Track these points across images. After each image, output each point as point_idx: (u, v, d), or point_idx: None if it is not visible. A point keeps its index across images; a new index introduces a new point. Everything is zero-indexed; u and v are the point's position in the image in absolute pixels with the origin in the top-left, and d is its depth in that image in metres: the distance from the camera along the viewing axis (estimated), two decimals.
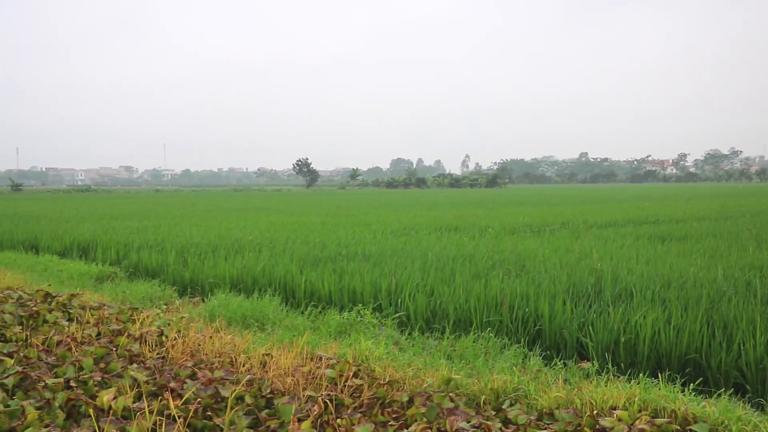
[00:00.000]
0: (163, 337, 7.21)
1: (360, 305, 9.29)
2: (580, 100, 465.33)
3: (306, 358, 6.64)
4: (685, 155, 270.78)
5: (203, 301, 10.83)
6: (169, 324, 7.75)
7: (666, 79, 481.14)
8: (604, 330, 7.41)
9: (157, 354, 6.82)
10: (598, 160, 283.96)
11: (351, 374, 6.15)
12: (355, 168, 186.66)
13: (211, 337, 7.23)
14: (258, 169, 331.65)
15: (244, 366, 6.46)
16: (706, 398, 5.76)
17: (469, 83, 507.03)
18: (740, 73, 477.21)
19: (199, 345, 6.99)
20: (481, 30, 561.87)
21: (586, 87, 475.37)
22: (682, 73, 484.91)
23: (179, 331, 7.38)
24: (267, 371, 6.30)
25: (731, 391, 6.31)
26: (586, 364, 6.71)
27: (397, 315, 8.98)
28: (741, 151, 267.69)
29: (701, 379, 6.53)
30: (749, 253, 12.86)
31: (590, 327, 7.62)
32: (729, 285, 9.19)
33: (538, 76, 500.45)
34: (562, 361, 6.96)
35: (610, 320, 7.53)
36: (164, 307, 9.87)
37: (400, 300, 9.44)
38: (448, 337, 7.86)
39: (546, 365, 6.91)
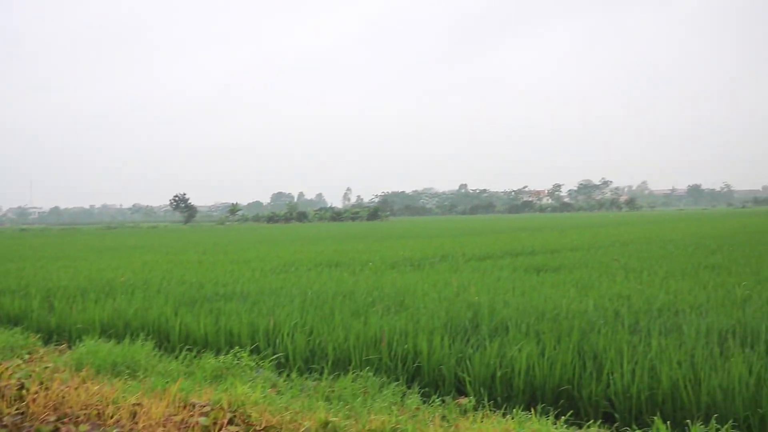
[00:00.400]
0: (24, 391, 6.84)
1: (237, 347, 9.14)
2: (459, 132, 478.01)
3: (179, 407, 6.45)
4: (559, 186, 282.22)
5: (70, 348, 10.37)
6: (30, 376, 7.36)
7: (540, 110, 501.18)
8: (481, 365, 7.55)
9: (16, 409, 6.46)
10: (477, 191, 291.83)
11: (226, 421, 6.02)
12: (234, 203, 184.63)
13: (77, 387, 6.93)
14: (133, 206, 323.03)
15: (112, 418, 6.21)
16: (578, 429, 5.97)
17: (348, 116, 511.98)
18: (609, 105, 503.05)
19: (64, 397, 6.68)
20: (358, 63, 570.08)
21: (464, 118, 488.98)
22: (556, 104, 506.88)
23: (42, 383, 7.03)
24: (137, 422, 6.09)
25: (601, 420, 6.56)
26: (463, 400, 6.82)
27: (276, 356, 8.87)
28: (611, 182, 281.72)
29: (572, 411, 6.75)
30: (618, 282, 13.45)
31: (468, 362, 7.74)
32: (599, 315, 9.55)
33: (417, 107, 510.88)
34: (440, 398, 7.06)
35: (487, 355, 7.69)
36: (26, 356, 9.38)
37: (278, 340, 9.33)
38: (327, 378, 7.82)
39: (425, 402, 6.98)
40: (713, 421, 5.86)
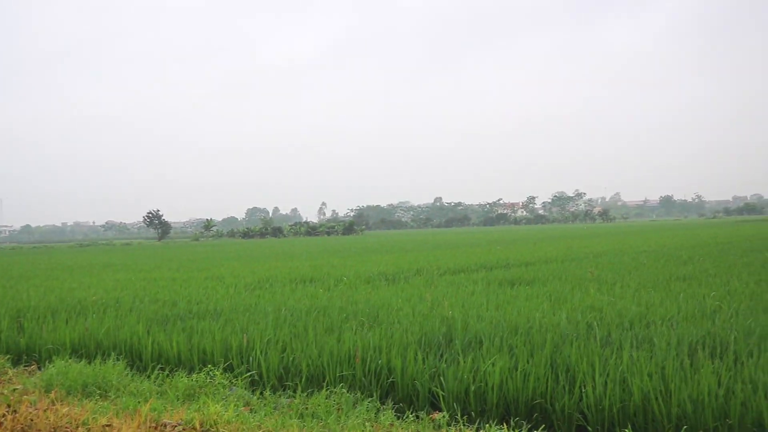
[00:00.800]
0: None
1: (210, 365, 9.08)
2: (433, 145, 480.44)
3: (150, 427, 6.40)
4: (533, 198, 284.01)
5: (40, 369, 10.24)
6: None
7: (514, 123, 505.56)
8: (455, 379, 7.56)
9: None
10: (452, 204, 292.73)
11: None
12: (209, 218, 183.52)
13: (46, 410, 6.84)
14: (106, 223, 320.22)
15: None
16: None
17: (323, 130, 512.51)
18: (581, 118, 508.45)
19: (32, 420, 6.59)
20: (333, 78, 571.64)
21: (438, 131, 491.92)
22: (529, 117, 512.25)
23: (9, 406, 6.94)
24: None
25: None
26: (437, 416, 6.82)
27: (249, 374, 8.82)
28: (584, 194, 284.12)
29: (545, 425, 6.78)
30: (590, 295, 13.53)
31: (442, 377, 7.75)
32: (572, 328, 9.61)
33: (392, 121, 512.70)
34: (414, 414, 7.05)
35: (461, 369, 7.69)
36: None
37: (252, 358, 9.28)
38: (300, 395, 7.79)
39: (398, 418, 6.97)
40: None
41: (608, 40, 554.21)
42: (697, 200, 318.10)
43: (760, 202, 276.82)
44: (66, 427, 6.42)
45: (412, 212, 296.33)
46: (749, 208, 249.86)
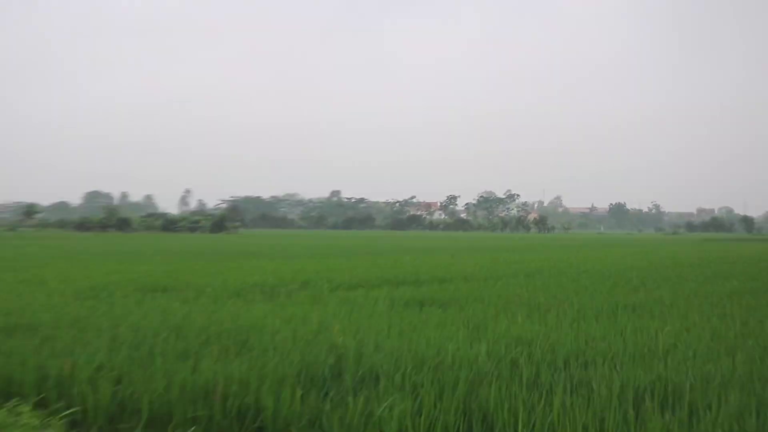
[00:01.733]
0: None
1: (17, 398, 8.77)
2: (331, 128, 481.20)
3: None
4: (455, 198, 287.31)
5: None
6: None
7: (435, 103, 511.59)
8: (341, 426, 7.52)
9: None
10: (353, 200, 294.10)
11: None
12: (31, 203, 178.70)
13: None
14: None
15: None
16: None
17: (189, 100, 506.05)
18: (518, 104, 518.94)
19: None
20: (208, 31, 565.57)
21: (338, 110, 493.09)
22: (454, 98, 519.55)
23: None
24: None
25: None
26: None
27: (70, 411, 8.56)
28: (518, 195, 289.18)
29: None
30: (518, 323, 13.72)
31: (325, 421, 7.70)
32: (492, 365, 9.70)
33: (281, 96, 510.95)
34: None
35: (349, 413, 7.66)
36: None
37: (75, 390, 9.01)
38: None
39: None
40: None
41: (557, 15, 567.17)
42: (654, 211, 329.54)
43: (729, 216, 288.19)
44: None
45: (301, 208, 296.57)
46: (716, 223, 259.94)
